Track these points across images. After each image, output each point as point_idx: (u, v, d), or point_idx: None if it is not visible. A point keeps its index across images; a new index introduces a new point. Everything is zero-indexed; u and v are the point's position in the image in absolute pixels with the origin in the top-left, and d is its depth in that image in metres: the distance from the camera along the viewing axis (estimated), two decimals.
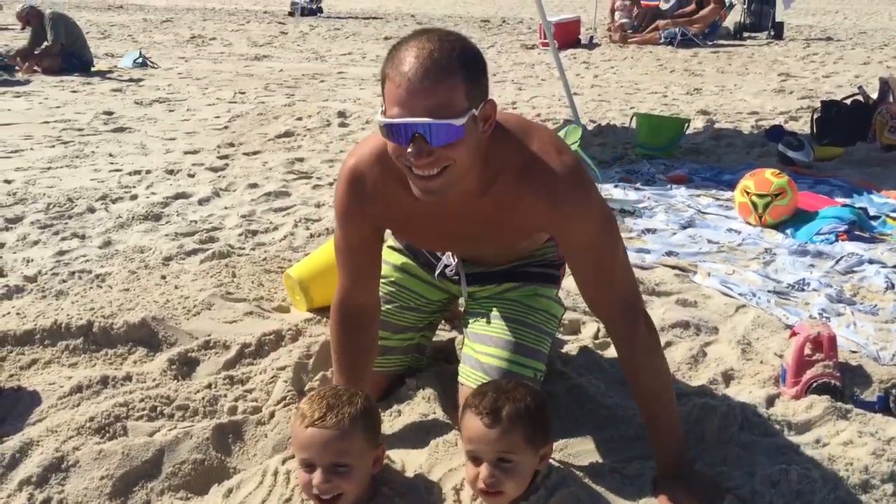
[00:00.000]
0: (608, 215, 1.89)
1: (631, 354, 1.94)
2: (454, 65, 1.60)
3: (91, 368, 2.61)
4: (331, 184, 5.02)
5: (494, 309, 2.29)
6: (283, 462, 2.02)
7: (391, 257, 2.45)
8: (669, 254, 3.71)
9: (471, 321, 2.33)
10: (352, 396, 1.82)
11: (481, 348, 2.23)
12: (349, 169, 1.94)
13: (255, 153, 5.89)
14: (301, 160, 5.67)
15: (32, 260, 3.62)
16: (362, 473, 1.79)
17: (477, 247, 2.17)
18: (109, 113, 7.45)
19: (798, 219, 4.08)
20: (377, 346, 2.23)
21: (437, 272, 2.38)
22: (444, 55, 1.60)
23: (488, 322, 2.27)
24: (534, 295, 2.31)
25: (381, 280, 2.28)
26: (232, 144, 6.17)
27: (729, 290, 3.25)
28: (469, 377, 2.20)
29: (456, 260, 2.33)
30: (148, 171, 5.27)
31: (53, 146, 6.06)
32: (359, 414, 1.77)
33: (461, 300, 2.49)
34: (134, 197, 4.68)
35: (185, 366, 2.57)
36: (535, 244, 2.28)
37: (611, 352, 2.75)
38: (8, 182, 4.94)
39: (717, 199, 4.67)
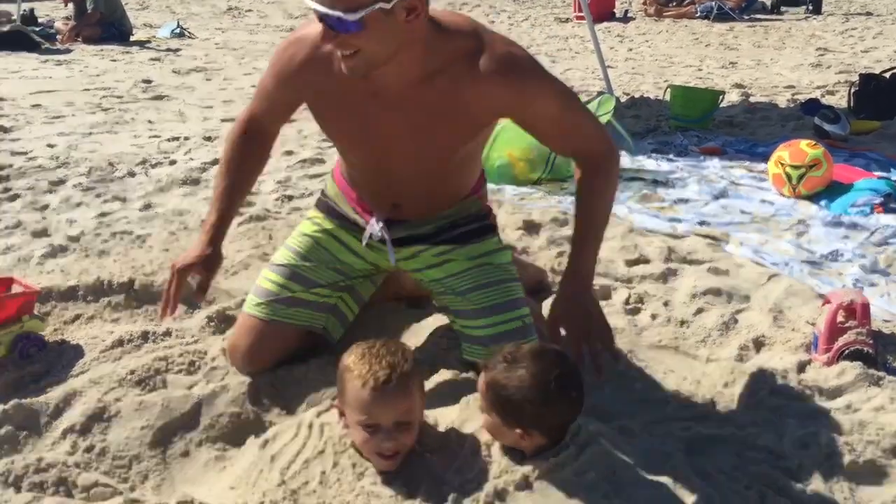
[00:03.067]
0: (565, 88, 2.05)
1: (594, 175, 2.08)
2: None
3: (132, 324, 2.68)
4: None
5: (455, 285, 2.28)
6: (318, 415, 2.07)
7: (317, 219, 2.45)
8: (702, 223, 3.70)
9: (446, 301, 2.36)
10: (404, 351, 1.85)
11: (467, 322, 2.26)
12: (298, 31, 2.10)
13: (290, 121, 5.91)
14: None
15: (75, 221, 3.70)
16: (416, 425, 1.85)
17: (409, 155, 2.10)
18: (148, 81, 7.53)
19: (833, 190, 4.04)
20: (259, 172, 2.40)
21: (365, 241, 2.33)
22: None
23: (461, 297, 2.27)
24: (478, 256, 2.29)
25: (303, 235, 2.40)
26: None
27: (761, 260, 3.24)
28: (473, 353, 2.26)
29: (381, 224, 2.28)
30: (186, 138, 5.34)
31: (94, 113, 6.15)
32: (413, 369, 1.82)
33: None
34: (173, 162, 4.75)
35: (223, 323, 2.63)
36: (463, 178, 2.30)
37: (642, 317, 2.77)
38: (51, 146, 5.03)
39: (751, 170, 4.63)
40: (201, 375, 2.35)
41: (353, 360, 1.84)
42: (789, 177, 4.04)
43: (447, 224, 2.30)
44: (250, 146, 2.29)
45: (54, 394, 2.22)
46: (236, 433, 2.15)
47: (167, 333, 2.57)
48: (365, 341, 1.90)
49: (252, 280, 2.92)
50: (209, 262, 2.18)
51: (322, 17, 1.74)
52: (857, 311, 2.38)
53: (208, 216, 2.22)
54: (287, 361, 2.33)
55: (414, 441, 1.84)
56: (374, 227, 2.30)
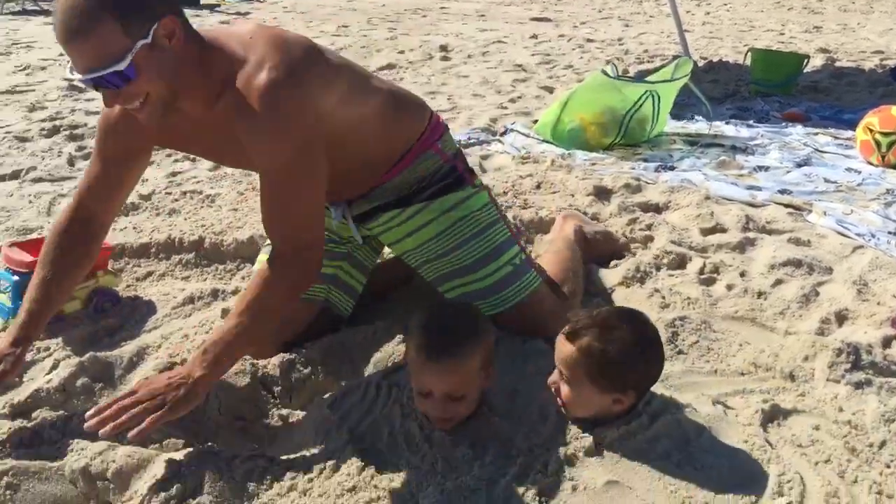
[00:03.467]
0: (304, 148, 1.75)
1: (260, 285, 1.81)
2: (96, 12, 1.55)
3: (202, 282, 2.71)
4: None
5: (435, 249, 2.20)
6: (385, 377, 2.06)
7: None
8: (783, 192, 3.56)
9: (430, 271, 2.25)
10: (470, 323, 1.81)
11: (458, 282, 2.19)
12: None
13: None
14: None
15: (147, 180, 3.76)
16: (475, 396, 1.82)
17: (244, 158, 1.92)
18: None
19: None
20: (84, 268, 2.08)
21: (336, 219, 2.26)
22: (79, 5, 1.54)
23: (445, 259, 2.20)
24: (451, 209, 2.19)
25: None
26: None
27: (845, 230, 3.10)
28: None
29: (342, 205, 2.20)
30: None
31: None
32: (474, 343, 1.78)
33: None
34: None
35: None
36: (377, 151, 2.12)
37: (718, 287, 2.68)
38: None
39: (837, 138, 4.43)
40: None
41: (416, 329, 1.82)
42: (878, 144, 3.85)
43: (414, 188, 2.18)
44: (76, 237, 2.02)
45: (128, 348, 2.26)
46: (305, 393, 2.16)
47: (236, 292, 2.59)
48: (434, 304, 1.87)
49: None
50: (11, 363, 1.90)
51: (97, 84, 1.62)
52: None
53: (20, 310, 1.96)
54: (298, 341, 2.24)
55: (469, 410, 1.81)
56: (335, 210, 2.21)
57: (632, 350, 1.73)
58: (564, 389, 1.78)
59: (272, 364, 2.19)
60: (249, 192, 3.53)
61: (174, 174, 3.85)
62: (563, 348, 1.77)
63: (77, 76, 1.62)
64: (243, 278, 2.71)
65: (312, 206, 1.84)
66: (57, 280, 1.97)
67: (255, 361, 2.15)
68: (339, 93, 1.87)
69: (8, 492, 1.71)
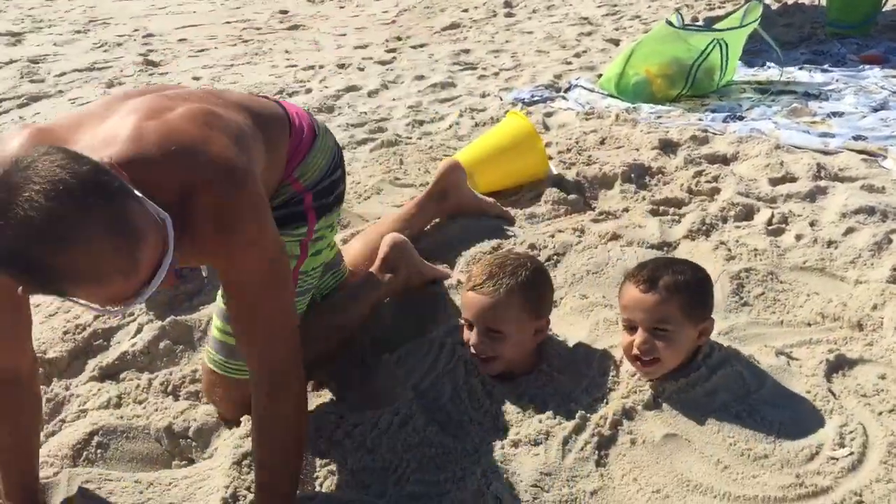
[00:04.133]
0: (279, 255, 1.54)
1: (277, 398, 1.59)
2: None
3: None
4: (496, 74, 4.99)
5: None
6: (448, 335, 2.11)
7: None
8: (857, 138, 3.44)
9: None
10: (517, 267, 1.87)
11: (217, 323, 1.94)
12: None
13: (421, 46, 5.93)
14: (467, 52, 5.65)
15: None
16: (519, 342, 1.86)
17: None
18: (284, 12, 7.70)
19: None
20: (38, 429, 1.74)
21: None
22: None
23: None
24: None
25: None
26: (399, 38, 6.24)
27: None
28: (206, 353, 1.99)
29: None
30: (321, 66, 5.44)
31: (235, 45, 6.36)
32: (518, 285, 1.82)
33: None
34: (308, 91, 4.86)
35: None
36: None
37: (786, 238, 2.63)
38: (196, 79, 5.26)
39: None
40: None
41: (479, 262, 1.94)
42: None
43: None
44: (13, 401, 1.63)
45: (206, 311, 2.36)
46: (374, 349, 2.23)
47: None
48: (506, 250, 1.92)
49: (385, 204, 3.00)
50: None
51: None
52: None
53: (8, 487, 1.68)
54: None
55: (512, 357, 1.87)
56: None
57: (701, 272, 1.84)
58: (659, 345, 1.75)
59: None
60: None
61: None
62: (648, 299, 1.75)
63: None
64: None
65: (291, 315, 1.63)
66: (18, 444, 1.66)
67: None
68: (261, 161, 1.65)
69: (98, 450, 1.84)
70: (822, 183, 3.01)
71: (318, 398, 2.08)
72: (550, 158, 3.31)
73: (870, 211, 2.73)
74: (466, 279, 1.90)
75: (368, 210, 2.94)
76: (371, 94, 4.73)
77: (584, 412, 1.76)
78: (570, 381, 1.89)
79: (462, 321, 1.93)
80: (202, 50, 6.20)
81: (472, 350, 1.87)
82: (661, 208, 2.90)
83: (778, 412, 1.72)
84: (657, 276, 1.75)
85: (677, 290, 1.74)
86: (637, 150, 3.44)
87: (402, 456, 1.78)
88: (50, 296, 1.21)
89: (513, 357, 1.87)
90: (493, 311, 1.82)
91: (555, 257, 2.55)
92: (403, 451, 1.78)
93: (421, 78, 4.97)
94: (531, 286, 1.86)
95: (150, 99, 1.53)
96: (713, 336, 1.92)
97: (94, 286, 1.18)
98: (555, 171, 3.20)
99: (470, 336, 1.87)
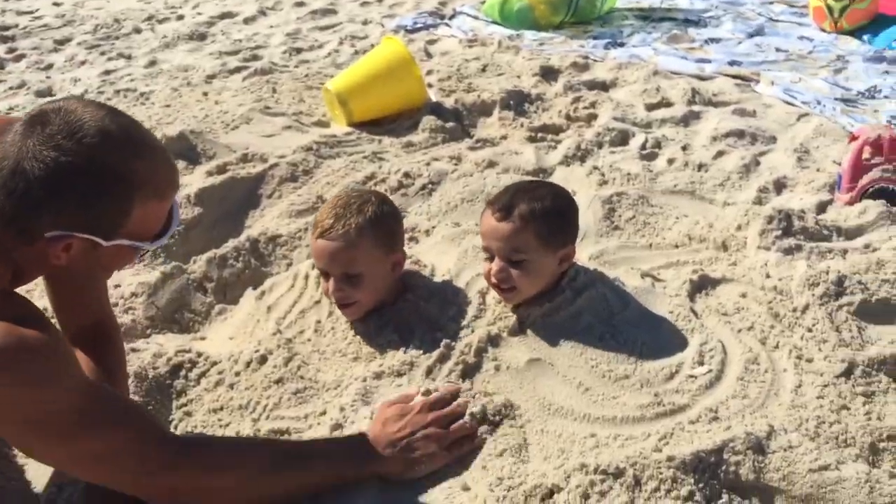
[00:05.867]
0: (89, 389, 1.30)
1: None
2: None
3: None
4: (380, 0, 4.82)
5: None
6: (314, 267, 2.03)
7: None
8: (732, 63, 3.48)
9: None
10: (363, 204, 1.75)
11: None
12: None
13: None
14: None
15: (80, 79, 3.62)
16: (377, 281, 1.77)
17: None
18: None
19: (878, 24, 3.76)
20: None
21: None
22: None
23: None
24: None
25: None
26: None
27: (792, 99, 3.05)
28: None
29: None
30: None
31: None
32: (368, 223, 1.72)
33: None
34: (180, 17, 4.60)
35: (221, 174, 2.56)
36: None
37: (659, 162, 2.64)
38: (57, 5, 4.90)
39: (792, 5, 4.32)
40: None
41: (323, 205, 1.78)
42: (830, 10, 3.76)
43: None
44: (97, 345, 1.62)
45: None
46: (237, 286, 2.14)
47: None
48: (347, 189, 1.82)
49: (254, 134, 2.86)
50: None
51: None
52: (885, 146, 2.22)
53: None
54: None
55: (373, 296, 1.77)
56: None
57: (561, 200, 1.75)
58: (514, 273, 1.70)
59: (202, 261, 2.17)
60: (184, 87, 3.40)
61: (108, 72, 3.71)
62: (504, 228, 1.69)
63: None
64: None
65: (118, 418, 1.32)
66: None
67: (184, 265, 2.13)
68: None
69: None
70: (697, 108, 3.03)
71: (177, 339, 1.98)
72: (430, 86, 3.23)
73: (740, 134, 2.77)
74: (313, 226, 1.77)
75: (236, 140, 2.79)
76: (247, 20, 4.51)
77: (448, 341, 1.72)
78: (437, 309, 1.83)
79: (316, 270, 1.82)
80: None
81: (332, 299, 1.78)
82: (539, 135, 2.87)
83: (640, 333, 1.71)
84: (513, 204, 1.69)
85: (533, 218, 1.68)
86: (518, 77, 3.39)
87: (262, 393, 1.70)
88: (108, 229, 1.24)
89: (373, 297, 1.79)
90: (347, 255, 1.71)
91: (430, 186, 2.49)
92: (264, 389, 1.71)
93: (301, 4, 4.77)
94: (380, 221, 1.75)
95: None
96: (583, 261, 1.90)
97: (154, 200, 1.28)
98: (434, 99, 3.12)
99: (327, 285, 1.76)
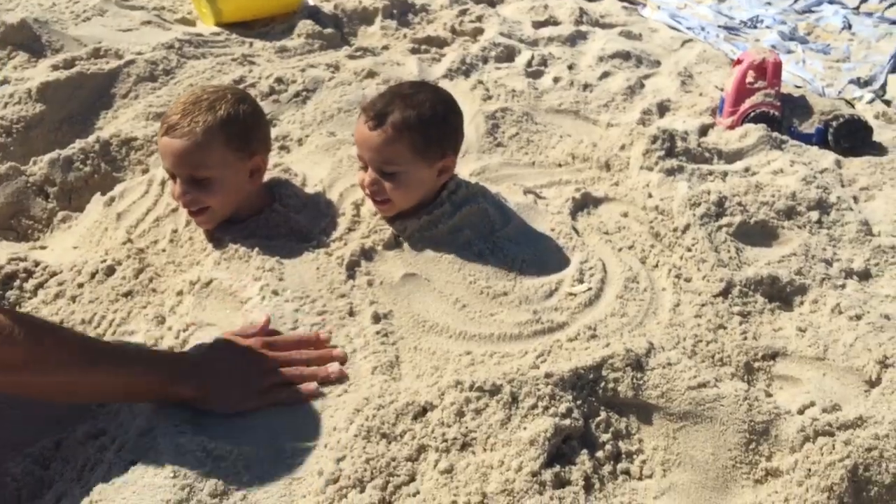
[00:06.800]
0: None
1: None
2: None
3: None
4: None
5: None
6: None
7: None
8: None
9: None
10: (216, 101, 1.56)
11: None
12: None
13: None
14: None
15: None
16: (231, 186, 1.59)
17: None
18: None
19: None
20: None
21: None
22: None
23: None
24: None
25: None
26: None
27: (677, 24, 3.03)
28: None
29: None
30: None
31: None
32: (219, 122, 1.53)
33: None
34: None
35: (68, 68, 2.29)
36: None
37: (544, 80, 2.56)
38: None
39: None
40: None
41: (174, 100, 1.59)
42: None
43: None
44: None
45: None
46: (84, 192, 1.94)
47: (5, 81, 2.25)
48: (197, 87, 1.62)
49: (108, 28, 2.59)
50: None
51: None
52: (768, 70, 2.21)
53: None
54: None
55: (228, 204, 1.61)
56: None
57: (442, 106, 1.61)
58: (387, 185, 1.58)
59: (43, 163, 1.95)
60: None
61: None
62: (375, 137, 1.56)
63: None
64: (15, 68, 2.35)
65: None
66: None
67: (22, 167, 1.91)
68: None
69: None
70: (584, 28, 2.96)
71: (12, 247, 1.78)
72: None
73: (626, 56, 2.72)
74: (161, 123, 1.57)
75: (87, 32, 2.51)
76: None
77: (318, 252, 1.59)
78: (308, 221, 1.70)
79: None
80: None
81: (180, 204, 1.60)
82: (423, 47, 2.73)
83: (521, 249, 1.64)
84: (387, 112, 1.55)
85: (407, 128, 1.55)
86: None
87: (108, 307, 1.54)
88: None
89: (227, 204, 1.62)
90: (193, 156, 1.53)
91: (304, 93, 2.32)
92: (111, 302, 1.55)
93: None
94: (233, 121, 1.56)
95: None
96: (464, 177, 1.80)
97: None
98: (311, 3, 2.91)
99: (175, 188, 1.58)
